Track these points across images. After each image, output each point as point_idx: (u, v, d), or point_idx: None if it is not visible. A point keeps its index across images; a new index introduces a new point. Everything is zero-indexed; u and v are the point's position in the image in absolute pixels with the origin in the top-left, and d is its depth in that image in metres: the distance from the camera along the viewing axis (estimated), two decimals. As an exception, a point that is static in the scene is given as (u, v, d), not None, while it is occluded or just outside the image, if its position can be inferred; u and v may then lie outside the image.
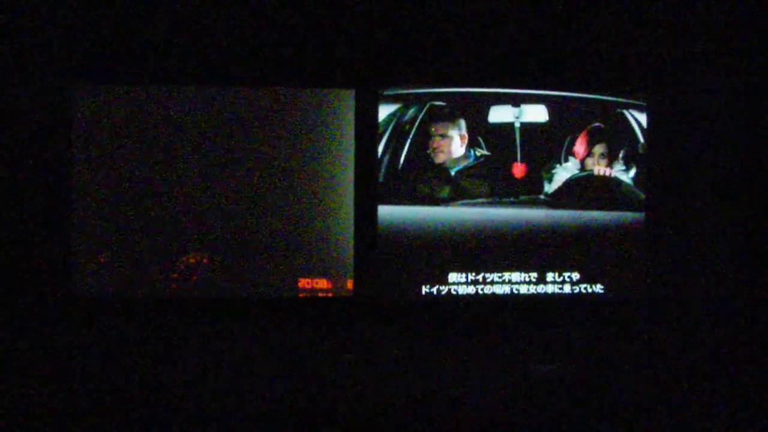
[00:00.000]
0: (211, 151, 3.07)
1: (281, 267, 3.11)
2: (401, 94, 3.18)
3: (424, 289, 3.20)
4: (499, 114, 3.21)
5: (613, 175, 3.26)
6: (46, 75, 3.03)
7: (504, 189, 3.22)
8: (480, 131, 3.21)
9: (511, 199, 3.22)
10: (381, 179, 3.16)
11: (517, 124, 3.21)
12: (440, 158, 3.20)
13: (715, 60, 3.30)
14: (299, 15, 3.13)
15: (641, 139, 3.27)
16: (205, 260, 3.07)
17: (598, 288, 3.27)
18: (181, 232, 3.06)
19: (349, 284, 3.13)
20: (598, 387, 3.15)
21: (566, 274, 3.25)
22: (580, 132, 3.24)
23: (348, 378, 3.10)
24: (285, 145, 3.11)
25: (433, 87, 3.19)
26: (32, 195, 3.03)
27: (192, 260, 3.06)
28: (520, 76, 3.22)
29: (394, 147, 3.17)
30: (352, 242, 3.13)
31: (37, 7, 3.01)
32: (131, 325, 3.07)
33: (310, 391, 3.07)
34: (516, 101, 3.21)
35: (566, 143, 3.24)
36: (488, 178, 3.21)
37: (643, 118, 3.26)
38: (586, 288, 3.27)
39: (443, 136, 3.19)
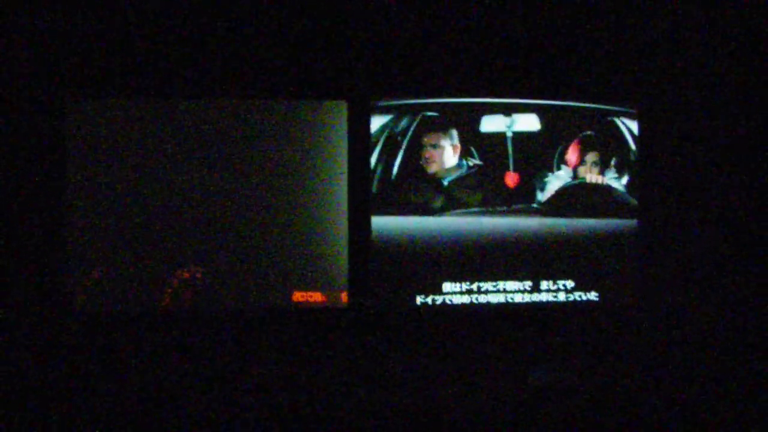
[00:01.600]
0: (204, 164, 3.08)
1: (275, 280, 3.11)
2: (393, 105, 3.19)
3: (419, 299, 3.20)
4: (491, 123, 3.22)
5: (605, 182, 3.28)
6: (39, 89, 3.03)
7: (497, 198, 3.23)
8: (472, 141, 3.22)
9: (504, 208, 3.23)
10: (374, 190, 3.17)
11: (509, 134, 3.23)
12: (433, 168, 3.21)
13: (705, 67, 3.32)
14: (291, 28, 3.14)
15: (633, 147, 3.28)
16: (198, 275, 3.07)
17: (593, 295, 3.28)
18: (175, 247, 3.06)
19: (344, 297, 3.13)
20: (594, 393, 3.16)
21: (560, 282, 3.26)
22: (572, 140, 3.25)
23: (344, 389, 3.10)
24: (278, 157, 3.12)
25: (425, 98, 3.20)
26: (26, 210, 3.03)
27: (186, 275, 3.06)
28: (512, 85, 3.24)
29: (386, 158, 3.18)
30: (346, 254, 3.13)
31: (30, 21, 3.02)
32: (126, 339, 3.07)
33: (306, 402, 3.07)
34: (508, 110, 3.22)
35: (558, 152, 3.25)
36: (481, 188, 3.22)
37: (634, 126, 3.28)
38: (580, 295, 3.28)
39: (435, 146, 3.20)
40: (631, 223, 3.28)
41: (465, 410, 3.08)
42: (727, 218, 3.32)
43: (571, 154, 3.26)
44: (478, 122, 3.22)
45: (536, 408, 3.08)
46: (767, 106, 3.31)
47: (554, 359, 3.24)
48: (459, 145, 3.21)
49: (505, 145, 3.23)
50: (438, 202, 3.21)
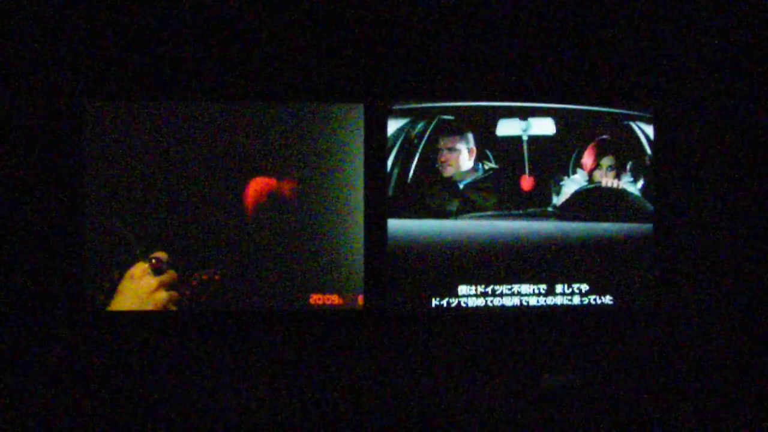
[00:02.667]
0: (221, 167, 3.10)
1: (293, 283, 3.13)
2: (410, 109, 3.20)
3: (434, 302, 3.21)
4: (507, 127, 3.23)
5: (620, 186, 3.28)
6: (58, 92, 3.06)
7: (512, 202, 3.24)
8: (488, 144, 3.23)
9: (520, 212, 3.24)
10: (390, 193, 3.18)
11: (525, 137, 3.23)
12: (449, 172, 3.22)
13: (721, 70, 3.31)
14: (307, 30, 3.15)
15: (648, 151, 3.28)
16: (217, 276, 3.09)
17: (607, 299, 3.29)
18: (194, 249, 3.08)
19: (360, 300, 3.15)
20: (608, 398, 3.17)
21: (575, 286, 3.27)
22: (588, 144, 3.26)
23: (359, 391, 3.12)
24: (294, 159, 3.13)
25: (441, 101, 3.21)
26: (45, 212, 3.06)
27: (204, 276, 3.08)
28: (528, 89, 3.25)
29: (402, 161, 3.20)
30: (362, 256, 3.14)
31: (48, 23, 3.04)
32: (145, 340, 3.10)
33: (323, 403, 3.09)
34: (523, 114, 3.23)
35: (574, 156, 3.25)
36: (496, 191, 3.23)
37: (650, 130, 3.28)
38: (595, 299, 3.28)
39: (451, 149, 3.22)
40: (647, 227, 3.28)
41: (478, 412, 3.10)
42: (743, 222, 3.32)
43: (587, 158, 3.26)
44: (494, 126, 3.23)
45: (549, 411, 3.10)
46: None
47: (568, 363, 3.25)
48: (475, 149, 3.23)
49: (521, 149, 3.23)
50: (453, 206, 3.22)
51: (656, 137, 3.28)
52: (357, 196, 3.15)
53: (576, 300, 3.27)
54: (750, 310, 3.32)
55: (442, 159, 3.22)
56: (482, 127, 3.22)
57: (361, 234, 3.15)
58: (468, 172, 3.23)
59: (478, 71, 3.23)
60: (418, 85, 3.21)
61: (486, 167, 3.23)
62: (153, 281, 3.04)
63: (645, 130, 3.28)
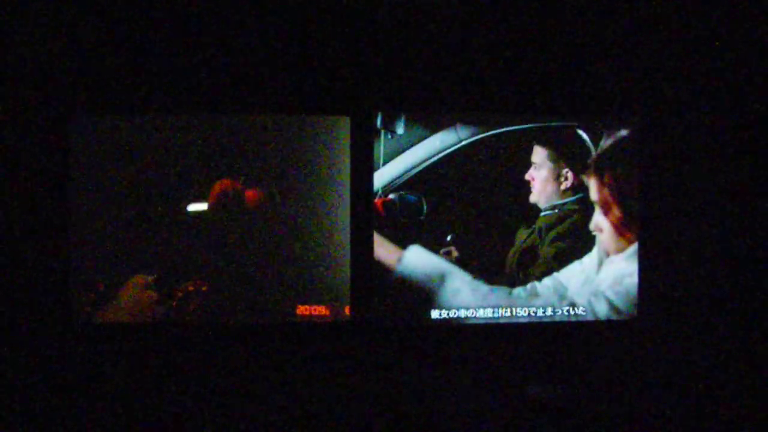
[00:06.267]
0: (208, 179, 3.11)
1: (279, 294, 3.14)
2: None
3: (421, 314, 3.22)
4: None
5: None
6: (42, 105, 3.07)
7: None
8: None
9: (507, 225, 3.27)
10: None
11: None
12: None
13: (703, 79, 3.36)
14: (292, 41, 3.18)
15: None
16: (204, 288, 3.10)
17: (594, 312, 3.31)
18: (180, 260, 3.09)
19: (347, 311, 3.16)
20: (593, 408, 3.17)
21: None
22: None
23: (346, 402, 3.12)
24: (281, 171, 3.15)
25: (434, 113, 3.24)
26: (30, 224, 3.06)
27: (191, 288, 3.09)
28: (508, 104, 3.28)
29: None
30: (348, 268, 3.16)
31: (32, 36, 3.06)
32: (131, 352, 3.10)
33: (308, 416, 3.08)
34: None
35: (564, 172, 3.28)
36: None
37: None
38: (581, 311, 3.30)
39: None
40: (631, 238, 3.32)
41: (465, 423, 3.10)
42: (727, 233, 3.36)
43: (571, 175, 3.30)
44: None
45: (536, 423, 3.10)
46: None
47: (553, 373, 3.26)
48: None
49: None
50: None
51: (641, 150, 3.31)
52: (344, 208, 3.17)
53: (562, 312, 3.29)
54: (736, 321, 3.34)
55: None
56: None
57: (348, 245, 3.16)
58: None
59: (469, 84, 3.26)
60: (406, 98, 3.23)
61: None
62: (154, 295, 3.06)
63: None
